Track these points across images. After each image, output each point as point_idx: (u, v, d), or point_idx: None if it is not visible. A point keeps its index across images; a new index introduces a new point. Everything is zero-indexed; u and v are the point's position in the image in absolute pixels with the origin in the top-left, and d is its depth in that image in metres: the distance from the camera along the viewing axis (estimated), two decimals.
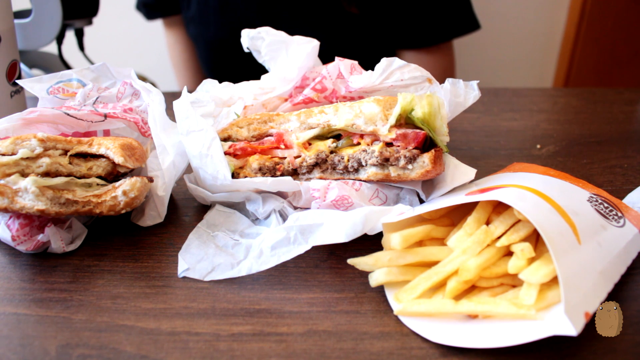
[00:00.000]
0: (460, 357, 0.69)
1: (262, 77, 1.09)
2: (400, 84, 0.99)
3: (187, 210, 1.04)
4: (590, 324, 0.71)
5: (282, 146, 0.98)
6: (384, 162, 0.91)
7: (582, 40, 3.03)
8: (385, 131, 0.91)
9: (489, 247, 0.77)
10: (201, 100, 1.00)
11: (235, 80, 1.10)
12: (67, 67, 1.69)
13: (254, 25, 1.09)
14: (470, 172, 0.94)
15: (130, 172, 0.96)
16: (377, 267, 0.79)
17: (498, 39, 3.02)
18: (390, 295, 0.78)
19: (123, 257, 0.90)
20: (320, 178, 0.96)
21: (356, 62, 1.04)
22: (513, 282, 0.76)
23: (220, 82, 1.08)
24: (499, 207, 0.81)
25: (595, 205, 0.87)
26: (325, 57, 1.10)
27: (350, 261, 0.80)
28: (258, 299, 0.80)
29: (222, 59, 2.03)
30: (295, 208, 0.96)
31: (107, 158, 0.90)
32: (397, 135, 0.91)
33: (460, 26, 1.89)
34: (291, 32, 1.08)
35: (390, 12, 1.80)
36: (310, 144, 0.97)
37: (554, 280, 0.70)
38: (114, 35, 2.84)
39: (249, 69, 1.29)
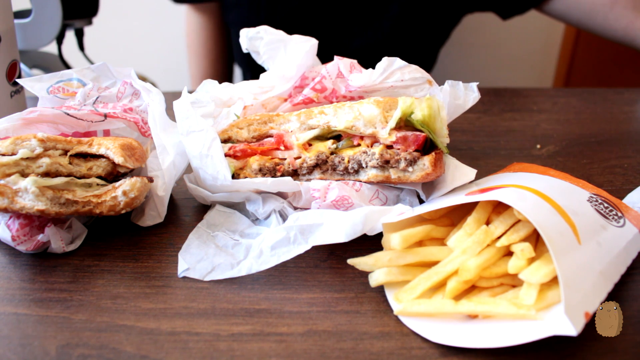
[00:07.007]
0: (460, 357, 0.69)
1: (261, 75, 1.08)
2: (401, 84, 0.99)
3: (187, 210, 1.04)
4: (590, 324, 0.71)
5: (282, 147, 0.98)
6: (384, 164, 0.91)
7: (582, 40, 3.03)
8: (385, 134, 0.91)
9: (489, 247, 0.77)
10: (201, 101, 1.00)
11: None
12: (67, 67, 1.69)
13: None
14: (470, 172, 0.93)
15: (130, 172, 0.96)
16: (377, 267, 0.79)
17: (498, 39, 3.02)
18: (390, 295, 0.78)
19: (123, 257, 0.89)
20: (321, 179, 0.96)
21: (355, 61, 1.04)
22: (513, 282, 0.76)
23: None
24: (499, 207, 0.81)
25: (595, 205, 0.87)
26: (370, 55, 1.04)
27: (350, 261, 0.80)
28: (258, 299, 0.80)
29: None
30: (295, 208, 0.96)
31: (107, 158, 0.89)
32: (397, 138, 0.90)
33: None
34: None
35: None
36: (310, 145, 0.97)
37: (554, 280, 0.70)
38: (114, 35, 2.83)
39: None
